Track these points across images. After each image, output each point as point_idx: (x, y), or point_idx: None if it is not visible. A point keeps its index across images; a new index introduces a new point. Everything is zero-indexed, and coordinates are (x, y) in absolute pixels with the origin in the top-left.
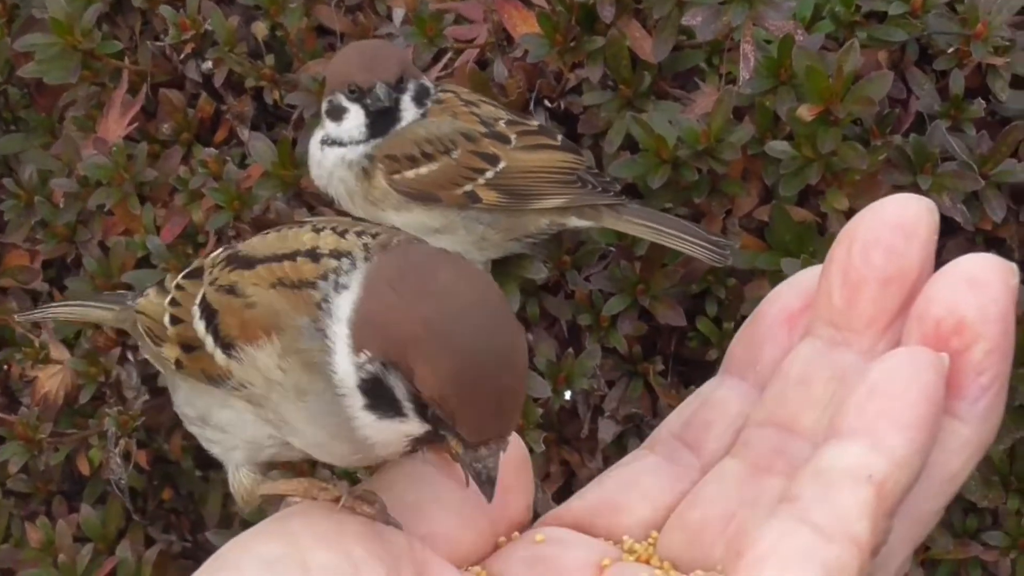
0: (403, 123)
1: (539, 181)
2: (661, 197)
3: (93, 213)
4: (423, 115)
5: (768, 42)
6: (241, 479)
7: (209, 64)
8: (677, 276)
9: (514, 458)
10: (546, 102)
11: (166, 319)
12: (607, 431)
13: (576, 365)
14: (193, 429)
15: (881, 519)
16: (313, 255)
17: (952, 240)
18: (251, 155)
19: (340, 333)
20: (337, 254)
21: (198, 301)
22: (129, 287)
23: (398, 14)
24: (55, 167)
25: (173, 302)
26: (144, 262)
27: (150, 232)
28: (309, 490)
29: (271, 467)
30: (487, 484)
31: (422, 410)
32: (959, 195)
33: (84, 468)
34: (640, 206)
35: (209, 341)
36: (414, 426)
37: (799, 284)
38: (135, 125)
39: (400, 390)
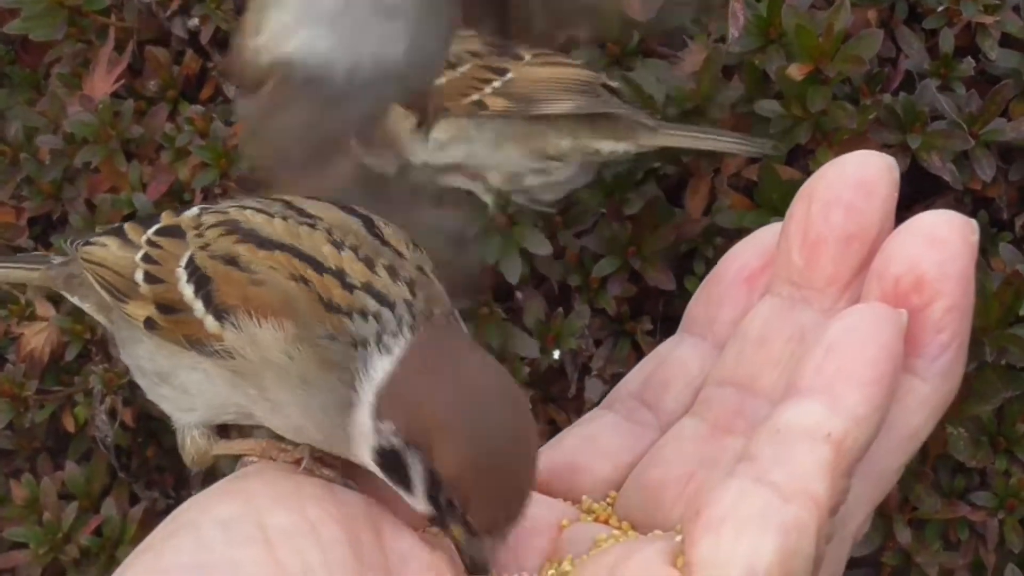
0: None
1: (548, 89)
2: (649, 156)
3: (79, 170)
4: None
5: (757, 0)
6: (195, 438)
7: (195, 21)
8: (668, 238)
9: None
10: None
11: (138, 275)
12: (594, 390)
13: (565, 325)
14: (143, 382)
15: (839, 478)
16: (343, 280)
17: (940, 199)
18: (237, 113)
19: (368, 391)
20: (379, 298)
21: (184, 263)
22: None
23: None
24: (41, 123)
25: (148, 259)
26: (130, 219)
27: (136, 190)
28: (268, 450)
29: (222, 429)
30: (482, 570)
31: (433, 492)
32: (948, 154)
33: (70, 425)
34: (675, 124)
35: (199, 306)
36: (419, 503)
37: (758, 242)
38: (121, 82)
39: (416, 469)
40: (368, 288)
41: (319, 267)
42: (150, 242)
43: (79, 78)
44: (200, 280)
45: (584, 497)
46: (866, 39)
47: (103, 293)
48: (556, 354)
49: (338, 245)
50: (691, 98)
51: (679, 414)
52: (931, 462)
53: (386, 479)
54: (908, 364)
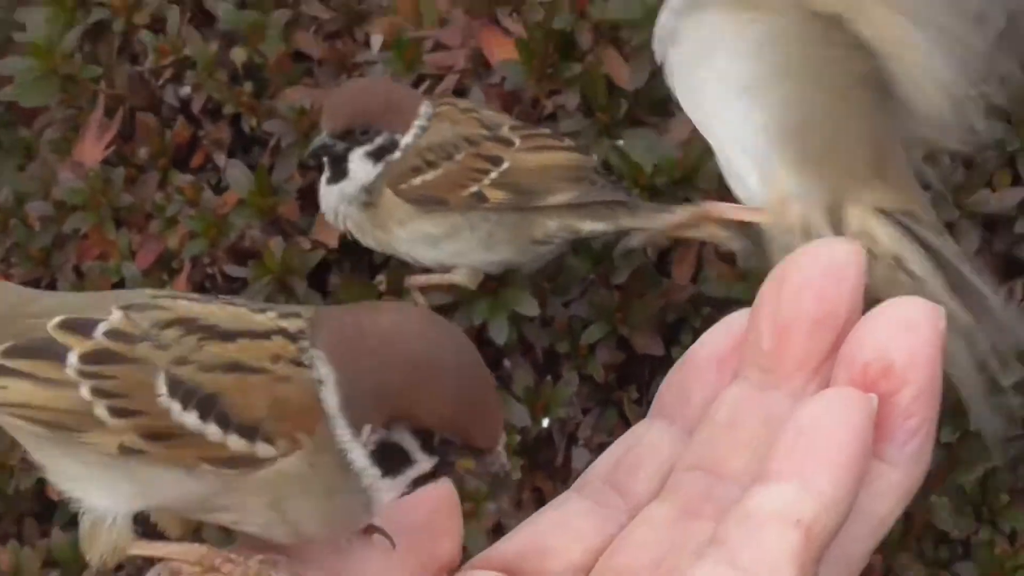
0: (350, 176)
1: (546, 178)
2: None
3: (68, 237)
4: (385, 166)
5: None
6: (114, 534)
7: (187, 89)
8: (656, 306)
9: (444, 500)
10: None
11: (99, 412)
12: (581, 459)
13: (554, 393)
14: (60, 466)
15: (808, 563)
16: (288, 335)
17: None
18: (227, 182)
19: (343, 430)
20: (289, 336)
21: (165, 391)
22: None
23: (376, 40)
24: (31, 189)
25: (103, 392)
26: (119, 287)
27: (125, 258)
28: (208, 558)
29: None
30: (506, 483)
31: (429, 444)
32: None
33: (53, 493)
34: (654, 203)
35: (213, 430)
36: (424, 466)
37: (729, 327)
38: (112, 149)
39: (408, 439)
40: (295, 333)
41: (267, 335)
42: (88, 374)
43: (69, 143)
44: (203, 402)
45: None
46: None
47: (36, 429)
48: (545, 422)
49: (263, 311)
50: (679, 168)
51: (648, 498)
52: (915, 531)
53: (397, 480)
54: (877, 450)
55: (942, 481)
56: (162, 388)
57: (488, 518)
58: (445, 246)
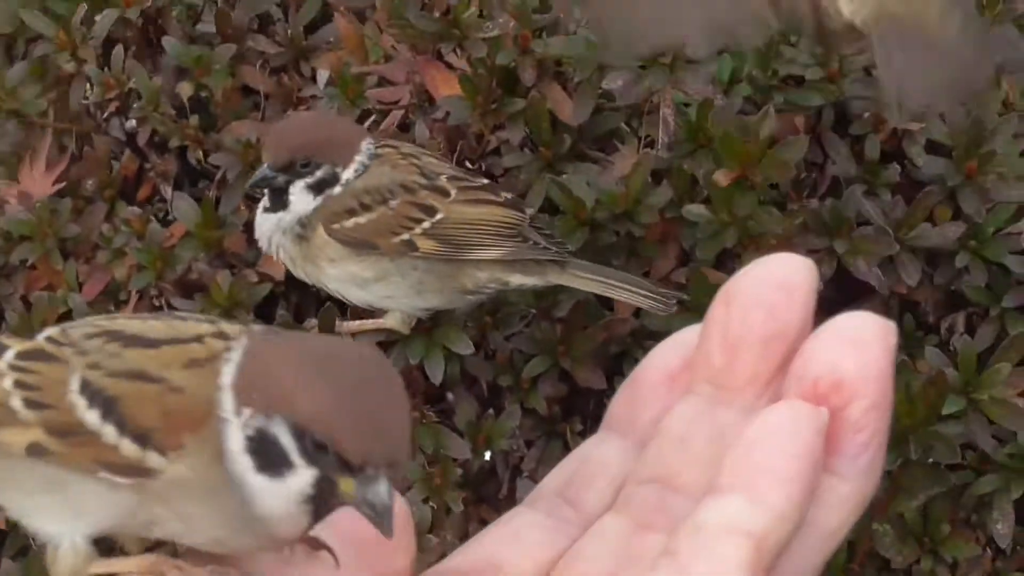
0: (292, 207)
1: (478, 233)
2: (579, 259)
3: (16, 267)
4: (324, 200)
5: (687, 105)
6: (70, 553)
7: (133, 122)
8: (598, 339)
9: (398, 515)
10: (467, 163)
11: (15, 402)
12: (525, 491)
13: (496, 426)
14: (7, 496)
15: (759, 574)
16: (222, 335)
17: (867, 303)
18: (174, 214)
19: (227, 401)
20: (230, 338)
21: (76, 387)
22: None
23: (322, 75)
24: None
25: (23, 385)
26: (66, 317)
27: (72, 288)
28: (158, 565)
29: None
30: (384, 516)
31: (305, 447)
32: (874, 259)
33: (1, 522)
34: (585, 261)
35: (110, 431)
36: (303, 476)
37: (679, 343)
38: (62, 184)
39: (282, 434)
40: (242, 332)
41: (200, 339)
42: (16, 367)
43: (16, 172)
44: (105, 404)
45: None
46: (792, 145)
47: None
48: (488, 455)
49: (212, 322)
50: (620, 202)
51: (601, 512)
52: (859, 559)
53: (270, 478)
54: (828, 463)
55: (885, 509)
56: (74, 385)
57: (432, 552)
58: (374, 289)
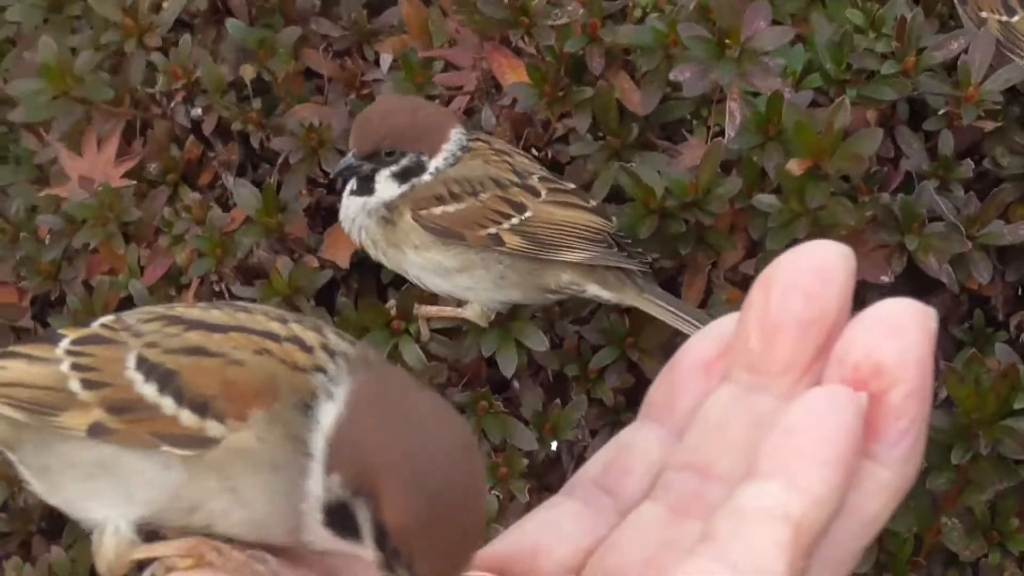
0: (376, 195)
1: (564, 234)
2: (648, 248)
3: (78, 251)
4: (410, 188)
5: (755, 95)
6: (118, 538)
7: (199, 111)
8: (667, 331)
9: None
10: (534, 151)
11: (73, 384)
12: None
13: (562, 416)
14: (61, 478)
15: (798, 558)
16: (302, 344)
17: (936, 297)
18: (235, 201)
19: (319, 445)
20: (328, 351)
21: (133, 365)
22: None
23: (386, 60)
24: (42, 202)
25: (80, 367)
26: (127, 302)
27: (134, 273)
28: (198, 548)
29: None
30: None
31: (381, 540)
32: (945, 256)
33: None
34: (663, 291)
35: (168, 403)
36: (367, 550)
37: (717, 331)
38: (127, 168)
39: (364, 519)
40: (324, 347)
41: (275, 338)
42: (73, 352)
43: (79, 147)
44: (163, 377)
45: None
46: (866, 137)
47: (16, 414)
48: (553, 445)
49: (281, 320)
50: (690, 191)
51: (638, 499)
52: (925, 553)
53: (334, 536)
54: (867, 450)
55: (953, 503)
56: (130, 363)
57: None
58: (456, 280)
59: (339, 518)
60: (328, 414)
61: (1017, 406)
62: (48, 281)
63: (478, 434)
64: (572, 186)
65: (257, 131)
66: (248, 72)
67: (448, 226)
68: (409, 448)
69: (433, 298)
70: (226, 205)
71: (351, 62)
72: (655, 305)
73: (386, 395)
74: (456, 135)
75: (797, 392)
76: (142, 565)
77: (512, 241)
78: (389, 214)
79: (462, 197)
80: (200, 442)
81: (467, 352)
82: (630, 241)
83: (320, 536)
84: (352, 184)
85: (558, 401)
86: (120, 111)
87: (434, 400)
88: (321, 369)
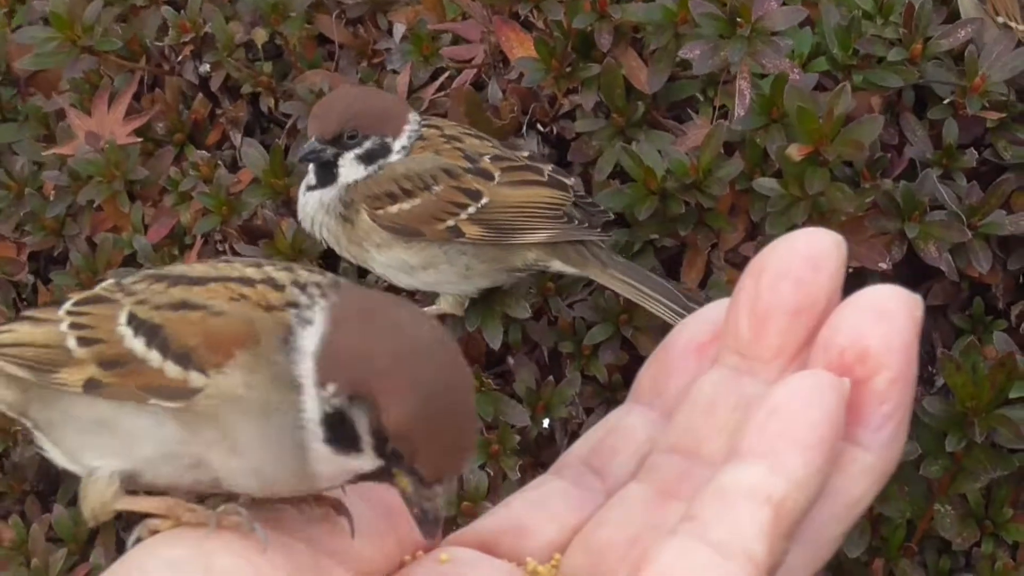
0: (342, 179)
1: (523, 216)
2: (647, 228)
3: (83, 208)
4: (377, 169)
5: (762, 76)
6: (102, 487)
7: (207, 67)
8: None
9: None
10: (539, 126)
11: (70, 342)
12: None
13: (556, 393)
14: (62, 433)
15: (779, 540)
16: (274, 284)
17: (937, 284)
18: (243, 161)
19: (306, 368)
20: (299, 285)
21: (123, 320)
22: None
23: (398, 29)
24: (47, 159)
25: (77, 326)
26: (130, 260)
27: (138, 230)
28: (174, 509)
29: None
30: (432, 524)
31: (381, 445)
32: (945, 244)
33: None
34: (628, 262)
35: (155, 356)
36: (367, 462)
37: (707, 315)
38: (135, 127)
39: (363, 424)
40: (295, 283)
41: (250, 282)
42: (72, 312)
43: (89, 104)
44: (149, 331)
45: (529, 559)
46: (867, 124)
47: (22, 373)
48: (546, 422)
49: (257, 265)
50: (690, 173)
51: (626, 480)
52: (918, 539)
53: (337, 457)
54: (851, 434)
55: (946, 490)
56: (121, 319)
57: None
58: (421, 276)
59: (338, 432)
60: (310, 338)
61: (1013, 395)
62: (51, 237)
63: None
64: (525, 157)
65: (268, 94)
66: (260, 36)
67: (405, 223)
68: (398, 351)
69: (410, 296)
70: (232, 166)
71: (364, 30)
72: (619, 281)
73: (365, 306)
74: (413, 118)
75: (786, 377)
76: (129, 525)
77: (472, 231)
78: (347, 211)
79: (415, 193)
80: (184, 393)
81: (453, 330)
82: (590, 200)
83: (324, 460)
84: (309, 179)
85: (551, 378)
86: (131, 65)
87: (410, 307)
88: (294, 304)
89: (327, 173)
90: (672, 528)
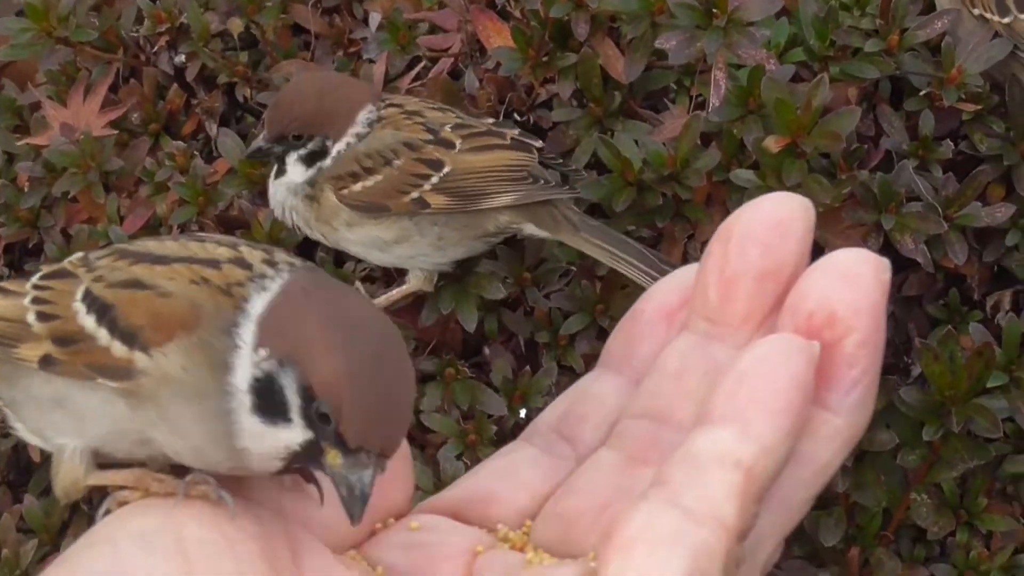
0: (286, 176)
1: (487, 181)
2: (625, 219)
3: (57, 199)
4: (317, 171)
5: (738, 67)
6: (72, 467)
7: (182, 57)
8: (637, 297)
9: (400, 451)
10: (516, 115)
11: (30, 317)
12: None
13: (533, 383)
14: (26, 412)
15: (749, 504)
16: (242, 263)
17: (913, 274)
18: (218, 151)
19: (248, 331)
20: (271, 264)
21: (80, 296)
22: None
23: (374, 19)
24: (21, 150)
25: (38, 300)
26: None
27: (113, 221)
28: (142, 480)
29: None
30: (359, 501)
31: (307, 410)
32: (921, 236)
33: (35, 455)
34: (600, 225)
35: (103, 334)
36: (296, 433)
37: (676, 281)
38: (110, 118)
39: (290, 388)
40: (266, 262)
41: (216, 264)
42: (37, 287)
43: (64, 96)
44: (101, 309)
45: (499, 526)
46: (845, 116)
47: None
48: (523, 412)
49: (232, 245)
50: (668, 164)
51: (596, 446)
52: (893, 528)
53: (262, 422)
54: (820, 398)
55: (922, 479)
56: (78, 296)
57: None
58: (395, 251)
59: (266, 399)
60: (260, 304)
61: (990, 384)
62: (26, 228)
63: (447, 401)
64: (489, 123)
65: (243, 84)
66: (236, 25)
67: (370, 200)
68: (334, 319)
69: (386, 275)
70: (208, 156)
71: (340, 19)
72: (590, 244)
73: (317, 283)
74: (364, 115)
75: (755, 342)
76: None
77: (437, 201)
78: (313, 191)
79: (376, 169)
80: (129, 373)
81: (428, 316)
82: (560, 160)
83: (254, 436)
84: (274, 168)
85: (528, 368)
86: (106, 56)
87: (367, 300)
88: (260, 276)
89: (280, 168)
90: (642, 494)
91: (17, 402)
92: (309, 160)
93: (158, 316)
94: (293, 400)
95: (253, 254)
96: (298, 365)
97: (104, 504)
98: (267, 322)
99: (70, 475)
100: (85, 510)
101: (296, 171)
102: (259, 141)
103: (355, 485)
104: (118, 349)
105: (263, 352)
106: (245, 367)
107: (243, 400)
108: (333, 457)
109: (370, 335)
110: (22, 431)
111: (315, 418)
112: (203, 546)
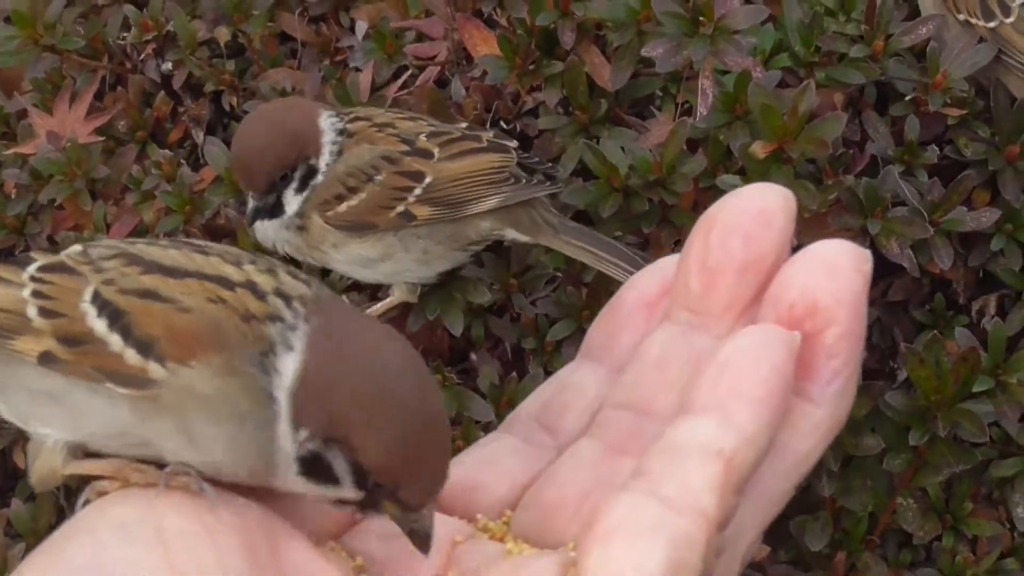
0: (290, 209)
1: (470, 186)
2: (611, 225)
3: (44, 207)
4: (312, 190)
5: (724, 73)
6: (50, 455)
7: (169, 65)
8: None
9: None
10: (502, 123)
11: (30, 311)
12: None
13: (519, 389)
14: (15, 398)
15: (729, 494)
16: (255, 290)
17: (899, 279)
18: (205, 159)
19: (283, 400)
20: (282, 296)
21: (88, 298)
22: None
23: (361, 27)
24: (7, 158)
25: (39, 295)
26: None
27: (100, 229)
28: (122, 470)
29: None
30: (423, 540)
31: (362, 481)
32: (907, 241)
33: (20, 462)
34: (580, 227)
35: (116, 340)
36: (348, 492)
37: (658, 271)
38: (97, 125)
39: (340, 465)
40: (278, 292)
41: (229, 285)
42: (36, 279)
43: (51, 103)
44: (113, 314)
45: (479, 516)
46: (831, 121)
47: None
48: None
49: (237, 263)
50: (654, 170)
51: (576, 436)
52: (879, 532)
53: (313, 486)
54: (801, 389)
55: (908, 484)
56: (86, 296)
57: None
58: (381, 268)
59: (314, 468)
60: (288, 365)
61: (976, 389)
62: (12, 235)
63: None
64: (463, 127)
65: (230, 92)
66: (222, 34)
67: (356, 219)
68: (371, 389)
69: (371, 290)
70: (195, 165)
71: (326, 28)
72: (572, 246)
73: (343, 339)
74: (326, 122)
75: (735, 332)
76: (78, 487)
77: (422, 212)
78: (301, 221)
79: (359, 188)
80: (142, 382)
81: (415, 322)
82: (537, 159)
83: (295, 484)
84: (260, 218)
85: (514, 374)
86: (93, 63)
87: (387, 333)
88: (277, 317)
89: (276, 210)
90: (623, 484)
91: (5, 386)
92: (302, 185)
93: (177, 330)
94: (344, 474)
95: (261, 277)
96: (346, 448)
97: (83, 494)
98: (301, 394)
99: (48, 463)
100: (70, 515)
101: (294, 201)
102: (252, 204)
103: (418, 529)
104: (132, 357)
105: (305, 432)
106: (286, 437)
107: (288, 463)
108: (392, 510)
109: (408, 392)
110: (3, 410)
111: (369, 486)
112: (183, 537)
